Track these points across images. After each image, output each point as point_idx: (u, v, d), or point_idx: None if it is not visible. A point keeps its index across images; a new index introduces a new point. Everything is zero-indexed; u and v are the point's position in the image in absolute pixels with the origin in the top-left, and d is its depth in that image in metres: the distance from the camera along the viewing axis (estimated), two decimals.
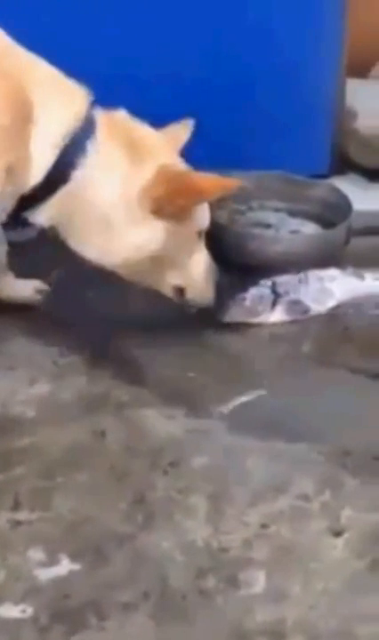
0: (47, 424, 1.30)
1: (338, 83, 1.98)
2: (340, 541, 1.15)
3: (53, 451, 1.27)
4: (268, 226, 1.79)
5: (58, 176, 1.28)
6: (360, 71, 2.11)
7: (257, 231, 1.75)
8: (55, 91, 1.29)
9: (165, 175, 1.31)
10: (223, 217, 1.78)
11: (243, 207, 1.83)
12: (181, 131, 1.46)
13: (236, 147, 1.86)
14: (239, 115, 1.87)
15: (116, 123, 1.32)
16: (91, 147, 1.29)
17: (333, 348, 1.50)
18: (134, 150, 1.31)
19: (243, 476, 1.24)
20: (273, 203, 1.83)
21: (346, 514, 1.19)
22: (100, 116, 1.31)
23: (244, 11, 1.82)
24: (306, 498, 1.21)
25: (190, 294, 1.43)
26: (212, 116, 1.84)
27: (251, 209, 1.83)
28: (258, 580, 1.10)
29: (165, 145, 1.38)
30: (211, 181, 1.35)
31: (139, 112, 1.74)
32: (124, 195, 1.30)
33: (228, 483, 1.23)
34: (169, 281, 1.41)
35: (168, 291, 1.42)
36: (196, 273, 1.42)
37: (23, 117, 1.24)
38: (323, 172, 1.99)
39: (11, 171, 1.25)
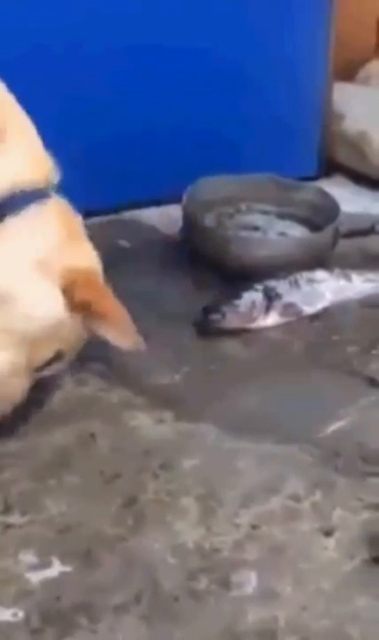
0: (37, 427, 1.29)
1: (326, 86, 1.99)
2: (331, 541, 1.15)
3: (43, 453, 1.26)
4: (256, 228, 1.79)
5: None
6: (347, 74, 2.12)
7: (244, 234, 1.75)
8: (28, 145, 1.26)
9: (86, 286, 1.24)
10: (211, 220, 1.79)
11: (231, 210, 1.83)
12: None
13: (224, 150, 1.87)
14: (227, 118, 1.88)
15: (64, 207, 1.28)
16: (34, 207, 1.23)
17: (323, 350, 1.50)
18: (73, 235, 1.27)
19: (233, 477, 1.25)
20: (261, 205, 1.83)
21: (337, 514, 1.19)
22: (54, 199, 1.26)
23: (230, 15, 1.83)
24: (297, 498, 1.21)
25: None
26: (199, 119, 1.85)
27: (239, 211, 1.83)
28: (250, 581, 1.10)
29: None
30: (118, 317, 1.26)
31: (127, 119, 1.77)
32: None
33: (218, 484, 1.23)
34: None
35: None
36: None
37: None
38: (311, 174, 2.00)
39: None
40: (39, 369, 1.26)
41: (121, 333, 1.26)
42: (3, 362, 1.21)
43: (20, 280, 1.21)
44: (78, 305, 1.23)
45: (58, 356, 1.26)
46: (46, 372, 1.28)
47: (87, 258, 1.28)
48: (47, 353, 1.25)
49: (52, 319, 1.22)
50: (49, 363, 1.26)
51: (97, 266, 1.29)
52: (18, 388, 1.25)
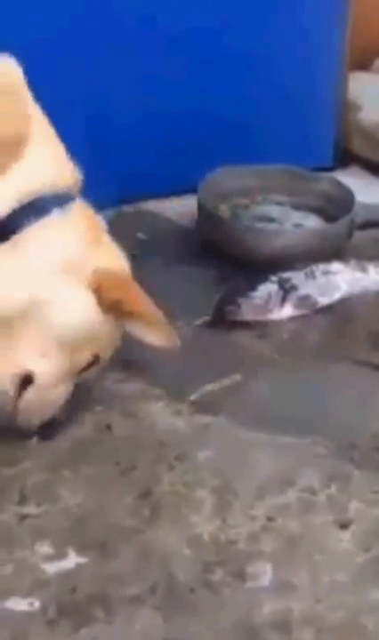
0: (53, 418, 1.29)
1: (341, 76, 1.98)
2: (346, 534, 1.15)
3: (59, 444, 1.27)
4: (271, 219, 1.78)
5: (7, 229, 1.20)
6: (363, 64, 2.11)
7: (260, 225, 1.75)
8: (52, 149, 1.25)
9: (116, 285, 1.24)
10: (226, 211, 1.79)
11: (246, 201, 1.82)
12: None
13: (239, 141, 1.86)
14: (242, 109, 1.87)
15: (88, 213, 1.27)
16: (57, 214, 1.22)
17: (338, 341, 1.50)
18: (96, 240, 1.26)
19: (249, 469, 1.25)
20: (276, 196, 1.83)
21: (352, 506, 1.19)
22: (78, 203, 1.25)
23: (243, 3, 1.82)
24: (312, 491, 1.21)
25: None
26: (214, 110, 1.84)
27: (254, 202, 1.83)
28: (265, 573, 1.11)
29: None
30: (150, 311, 1.26)
31: (143, 102, 1.76)
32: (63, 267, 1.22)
33: (234, 476, 1.23)
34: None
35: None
36: None
37: (12, 148, 1.19)
38: (326, 165, 1.99)
39: None
40: (79, 372, 1.26)
41: (155, 332, 1.26)
42: (45, 371, 1.22)
43: (52, 286, 1.20)
44: (110, 305, 1.23)
45: (96, 359, 1.26)
46: (85, 375, 1.28)
47: (115, 259, 1.28)
48: (86, 356, 1.25)
49: (87, 323, 1.22)
50: (88, 366, 1.26)
51: (125, 266, 1.29)
52: (61, 395, 1.25)
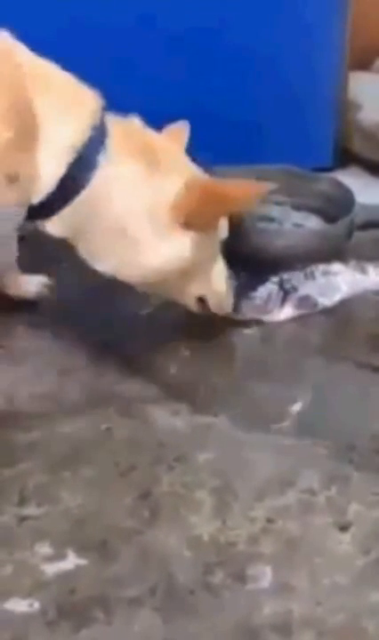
0: (53, 419, 1.30)
1: (341, 75, 1.98)
2: (346, 536, 1.15)
3: (59, 446, 1.27)
4: (271, 220, 1.78)
5: (69, 189, 1.25)
6: (363, 64, 2.11)
7: (260, 225, 1.75)
8: (63, 100, 1.25)
9: (196, 188, 1.29)
10: None
11: None
12: (181, 133, 1.45)
13: (238, 140, 1.86)
14: (241, 108, 1.87)
15: (129, 132, 1.30)
16: (104, 158, 1.26)
17: (338, 342, 1.50)
18: (153, 161, 1.29)
19: (248, 470, 1.25)
20: (276, 196, 1.82)
21: (352, 509, 1.19)
22: (113, 124, 1.28)
23: (245, 3, 1.82)
24: (312, 492, 1.21)
25: (212, 304, 1.42)
26: (214, 110, 1.84)
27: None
28: (265, 575, 1.10)
29: (182, 155, 1.37)
30: (243, 190, 1.33)
31: (142, 104, 1.75)
32: (148, 207, 1.28)
33: (233, 477, 1.23)
34: (192, 292, 1.40)
35: (191, 302, 1.41)
36: (218, 282, 1.41)
37: (27, 131, 1.21)
38: (326, 165, 1.99)
39: (12, 180, 1.22)
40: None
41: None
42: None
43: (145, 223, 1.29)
44: (207, 220, 1.32)
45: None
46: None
47: (183, 171, 1.32)
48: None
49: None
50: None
51: (194, 172, 1.34)
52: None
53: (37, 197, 1.24)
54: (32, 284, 1.54)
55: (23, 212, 1.27)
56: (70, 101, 1.25)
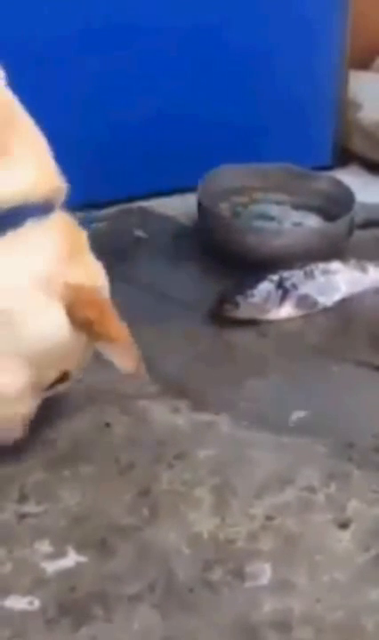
0: (52, 416, 1.30)
1: (341, 74, 1.98)
2: (346, 534, 1.15)
3: (59, 443, 1.27)
4: (270, 218, 1.78)
5: None
6: (363, 63, 2.11)
7: (259, 224, 1.75)
8: (36, 158, 1.18)
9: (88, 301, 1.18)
10: (225, 209, 1.79)
11: (245, 199, 1.82)
12: None
13: (238, 139, 1.86)
14: (241, 107, 1.87)
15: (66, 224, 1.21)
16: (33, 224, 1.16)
17: (338, 341, 1.50)
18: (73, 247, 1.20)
19: (248, 468, 1.25)
20: (276, 195, 1.82)
21: (352, 506, 1.19)
22: (58, 213, 1.20)
23: (244, 3, 1.82)
24: (311, 490, 1.21)
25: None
26: (214, 108, 1.84)
27: (253, 201, 1.82)
28: (264, 572, 1.11)
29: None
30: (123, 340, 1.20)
31: (142, 101, 1.76)
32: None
33: (233, 475, 1.23)
34: None
35: None
36: None
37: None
38: (326, 164, 1.99)
39: None
40: (46, 389, 1.23)
41: (123, 357, 1.20)
42: (8, 384, 1.18)
43: (22, 299, 1.16)
44: (81, 324, 1.18)
45: (64, 376, 1.23)
46: (53, 392, 1.25)
47: (92, 274, 1.22)
48: (53, 373, 1.21)
49: (56, 339, 1.18)
50: (56, 382, 1.23)
51: (103, 283, 1.23)
52: (25, 410, 1.22)
53: None
54: None
55: None
56: (42, 158, 1.19)
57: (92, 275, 1.22)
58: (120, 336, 1.19)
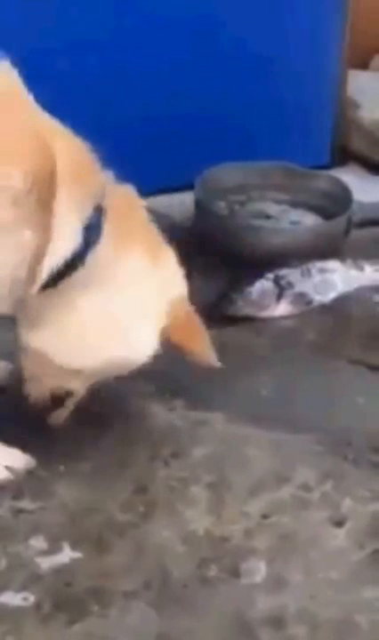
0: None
1: (340, 74, 1.98)
2: (341, 531, 1.16)
3: (55, 440, 1.27)
4: (268, 217, 1.79)
5: (69, 265, 1.09)
6: (362, 62, 2.11)
7: (257, 222, 1.75)
8: (78, 167, 1.11)
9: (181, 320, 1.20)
10: (223, 208, 1.79)
11: (243, 198, 1.82)
12: (134, 199, 1.27)
13: (236, 138, 1.86)
14: (240, 106, 1.87)
15: (124, 212, 1.17)
16: (98, 239, 1.12)
17: (334, 340, 1.50)
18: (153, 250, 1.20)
19: (244, 466, 1.25)
20: (274, 194, 1.83)
21: (347, 504, 1.19)
22: (112, 199, 1.15)
23: (244, 3, 1.82)
24: (307, 488, 1.22)
25: None
26: (212, 107, 1.84)
27: (251, 199, 1.83)
28: (259, 570, 1.11)
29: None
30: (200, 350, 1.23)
31: (142, 106, 1.76)
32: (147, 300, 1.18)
33: (228, 473, 1.24)
34: None
35: None
36: None
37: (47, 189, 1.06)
38: (324, 163, 1.99)
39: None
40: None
41: (201, 357, 1.23)
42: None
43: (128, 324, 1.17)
44: (171, 344, 1.20)
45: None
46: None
47: (179, 283, 1.22)
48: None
49: (139, 362, 1.20)
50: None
51: (185, 289, 1.23)
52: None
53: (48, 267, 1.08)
54: None
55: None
56: (83, 170, 1.12)
57: (180, 283, 1.23)
58: (204, 349, 1.22)
